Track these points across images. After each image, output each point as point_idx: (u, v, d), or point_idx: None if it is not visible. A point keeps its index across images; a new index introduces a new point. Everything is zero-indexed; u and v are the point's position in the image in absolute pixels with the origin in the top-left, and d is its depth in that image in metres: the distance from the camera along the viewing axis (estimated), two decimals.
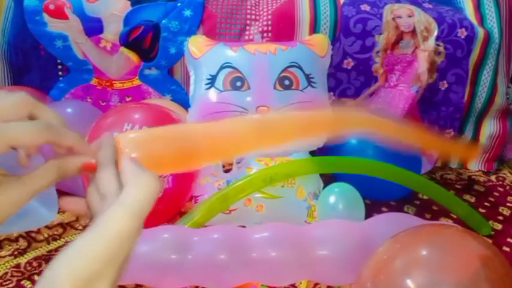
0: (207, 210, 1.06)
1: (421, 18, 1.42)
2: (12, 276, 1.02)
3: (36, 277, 1.01)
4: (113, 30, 1.39)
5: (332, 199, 1.11)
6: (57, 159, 0.42)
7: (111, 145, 0.43)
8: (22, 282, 1.00)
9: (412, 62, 1.44)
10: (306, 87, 1.25)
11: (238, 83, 1.22)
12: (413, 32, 1.42)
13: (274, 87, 1.22)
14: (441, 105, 1.50)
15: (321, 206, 1.13)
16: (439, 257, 0.65)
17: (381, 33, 1.41)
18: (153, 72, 1.45)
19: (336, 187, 1.14)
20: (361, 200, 1.11)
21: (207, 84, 1.25)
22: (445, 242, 0.68)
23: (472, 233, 0.71)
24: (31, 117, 0.41)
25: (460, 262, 0.64)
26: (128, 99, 1.47)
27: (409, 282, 0.63)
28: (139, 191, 0.37)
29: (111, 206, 0.36)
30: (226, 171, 1.21)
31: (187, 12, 1.39)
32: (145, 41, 1.39)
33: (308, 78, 1.26)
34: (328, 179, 1.23)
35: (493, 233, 1.22)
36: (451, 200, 1.18)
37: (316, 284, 0.97)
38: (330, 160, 1.20)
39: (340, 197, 1.10)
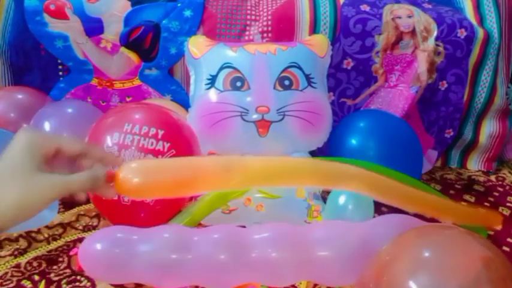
0: (205, 207, 1.06)
1: (420, 19, 1.43)
2: (12, 276, 1.02)
3: (36, 277, 1.01)
4: (113, 30, 1.39)
5: (342, 199, 1.08)
6: (90, 170, 0.55)
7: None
8: (22, 282, 1.00)
9: (412, 62, 1.44)
10: (306, 87, 1.25)
11: (238, 83, 1.23)
12: (413, 32, 1.42)
13: (274, 88, 1.22)
14: (441, 105, 1.50)
15: (330, 206, 1.11)
16: (441, 258, 0.65)
17: (380, 34, 1.41)
18: (153, 72, 1.45)
19: None
20: (372, 200, 1.08)
21: (207, 84, 1.25)
22: (447, 243, 0.68)
23: (473, 233, 0.71)
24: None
25: (462, 263, 0.64)
26: (128, 99, 1.47)
27: (411, 283, 0.63)
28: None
29: None
30: None
31: (188, 13, 1.39)
32: (145, 41, 1.39)
33: (308, 78, 1.26)
34: None
35: (492, 233, 1.22)
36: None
37: (315, 285, 0.97)
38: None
39: (350, 197, 1.07)
